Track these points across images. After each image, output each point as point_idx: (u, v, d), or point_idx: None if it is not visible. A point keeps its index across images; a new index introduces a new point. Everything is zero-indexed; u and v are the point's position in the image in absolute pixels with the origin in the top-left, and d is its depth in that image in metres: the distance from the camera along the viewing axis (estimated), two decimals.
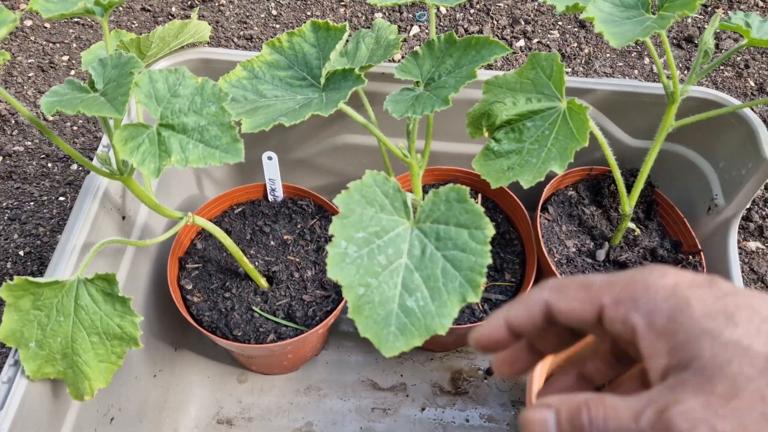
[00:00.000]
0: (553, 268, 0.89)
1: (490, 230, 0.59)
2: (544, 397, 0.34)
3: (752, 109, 1.40)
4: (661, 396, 0.29)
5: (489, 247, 0.58)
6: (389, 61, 0.90)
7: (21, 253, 1.17)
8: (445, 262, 0.60)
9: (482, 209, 0.59)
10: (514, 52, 1.49)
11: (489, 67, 1.42)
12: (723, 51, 1.50)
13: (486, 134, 0.82)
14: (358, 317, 0.58)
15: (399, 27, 1.53)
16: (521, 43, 1.53)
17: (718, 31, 1.57)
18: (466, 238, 0.60)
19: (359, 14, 1.56)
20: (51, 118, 1.38)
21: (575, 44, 1.53)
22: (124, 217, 0.87)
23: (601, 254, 0.95)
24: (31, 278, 0.64)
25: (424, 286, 0.60)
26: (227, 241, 0.84)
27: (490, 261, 0.58)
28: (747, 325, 0.30)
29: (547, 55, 0.78)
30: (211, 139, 0.62)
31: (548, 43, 1.53)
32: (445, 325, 0.58)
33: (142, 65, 0.64)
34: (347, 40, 0.91)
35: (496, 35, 1.54)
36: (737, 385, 0.28)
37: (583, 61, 1.51)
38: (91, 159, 1.24)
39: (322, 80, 0.77)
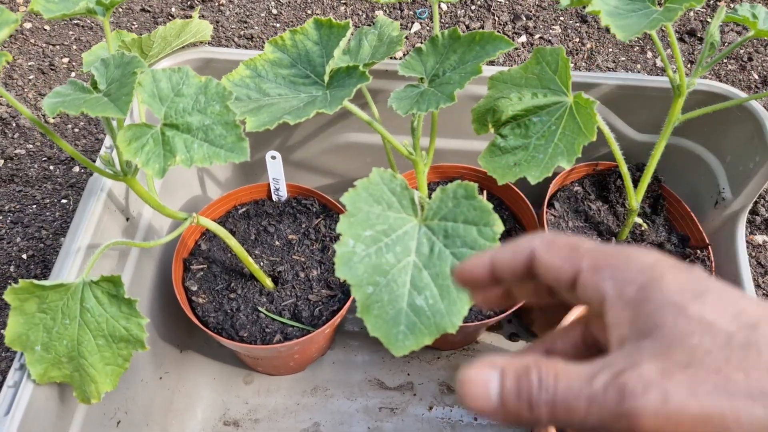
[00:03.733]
0: None
1: (500, 227, 0.58)
2: (488, 357, 0.31)
3: (759, 102, 1.39)
4: (617, 360, 0.29)
5: (498, 244, 0.58)
6: (392, 58, 0.89)
7: (24, 256, 1.17)
8: (453, 260, 0.60)
9: (491, 205, 0.59)
10: (515, 47, 1.49)
11: (491, 63, 1.42)
12: (726, 44, 1.49)
13: (491, 130, 0.81)
14: (367, 316, 0.58)
15: (400, 24, 1.53)
16: (523, 39, 1.52)
17: (721, 24, 1.57)
18: (475, 235, 0.59)
19: (360, 12, 1.56)
20: (52, 121, 1.37)
21: (577, 39, 1.53)
22: (128, 219, 0.87)
23: None
24: (36, 281, 0.63)
25: (433, 284, 0.60)
26: (232, 242, 0.84)
27: None
28: (714, 305, 0.30)
29: (552, 49, 0.77)
30: (215, 139, 0.62)
31: (550, 38, 1.52)
32: (456, 323, 0.58)
33: (145, 65, 0.64)
34: (349, 38, 0.90)
35: (498, 31, 1.53)
36: (695, 356, 0.28)
37: (585, 56, 1.50)
38: (93, 161, 1.23)
39: (326, 78, 0.76)
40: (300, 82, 0.80)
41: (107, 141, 0.86)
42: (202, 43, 0.97)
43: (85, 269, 0.69)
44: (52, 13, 0.67)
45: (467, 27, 1.52)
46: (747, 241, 1.19)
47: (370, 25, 1.01)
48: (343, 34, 0.79)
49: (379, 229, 0.61)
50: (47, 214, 1.23)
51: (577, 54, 1.50)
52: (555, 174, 0.97)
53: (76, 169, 1.30)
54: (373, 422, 1.01)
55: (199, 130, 0.62)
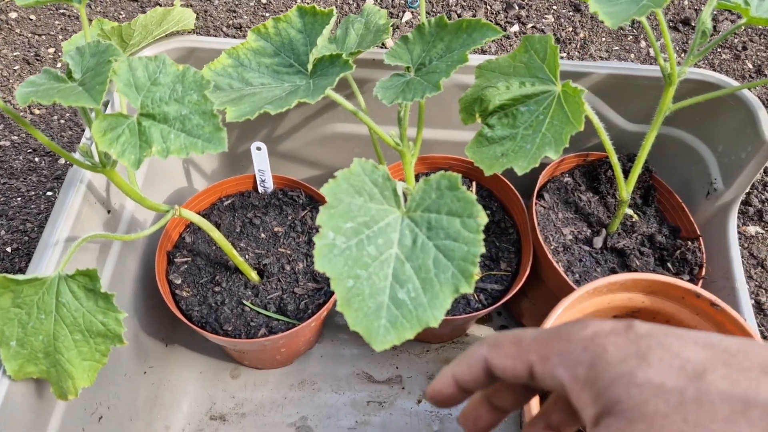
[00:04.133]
0: (550, 256, 0.87)
1: (483, 218, 0.57)
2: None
3: (751, 91, 1.37)
4: None
5: (482, 236, 0.56)
6: (380, 46, 0.88)
7: (8, 249, 1.15)
8: (437, 252, 0.58)
9: (474, 197, 0.57)
10: (507, 36, 1.47)
11: (483, 52, 1.40)
12: (720, 32, 1.48)
13: (479, 120, 0.80)
14: (348, 310, 0.56)
15: (391, 13, 1.50)
16: (515, 28, 1.51)
17: (715, 12, 1.55)
18: (458, 227, 0.58)
19: (350, 0, 1.54)
20: (38, 112, 1.35)
21: (570, 28, 1.51)
22: (109, 211, 0.85)
23: (598, 241, 0.93)
24: (9, 275, 0.62)
25: (415, 277, 0.58)
26: (215, 234, 0.82)
27: (483, 250, 0.56)
28: (659, 364, 0.30)
29: (540, 37, 0.76)
30: (193, 129, 0.60)
31: (543, 27, 1.51)
32: (438, 317, 0.56)
33: (120, 53, 0.62)
34: (336, 26, 0.88)
35: (490, 20, 1.52)
36: (654, 424, 0.29)
37: (578, 46, 1.48)
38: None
39: (310, 67, 0.75)
40: (283, 71, 0.78)
41: (87, 132, 0.85)
42: (185, 31, 0.95)
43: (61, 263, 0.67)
44: (27, 0, 0.65)
45: (459, 16, 1.50)
46: (739, 233, 1.18)
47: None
48: (326, 22, 0.77)
49: (361, 221, 0.59)
50: (32, 206, 1.21)
51: (570, 43, 1.48)
52: (545, 165, 0.96)
53: (62, 161, 1.28)
54: (361, 416, 1.00)
55: (176, 120, 0.61)
